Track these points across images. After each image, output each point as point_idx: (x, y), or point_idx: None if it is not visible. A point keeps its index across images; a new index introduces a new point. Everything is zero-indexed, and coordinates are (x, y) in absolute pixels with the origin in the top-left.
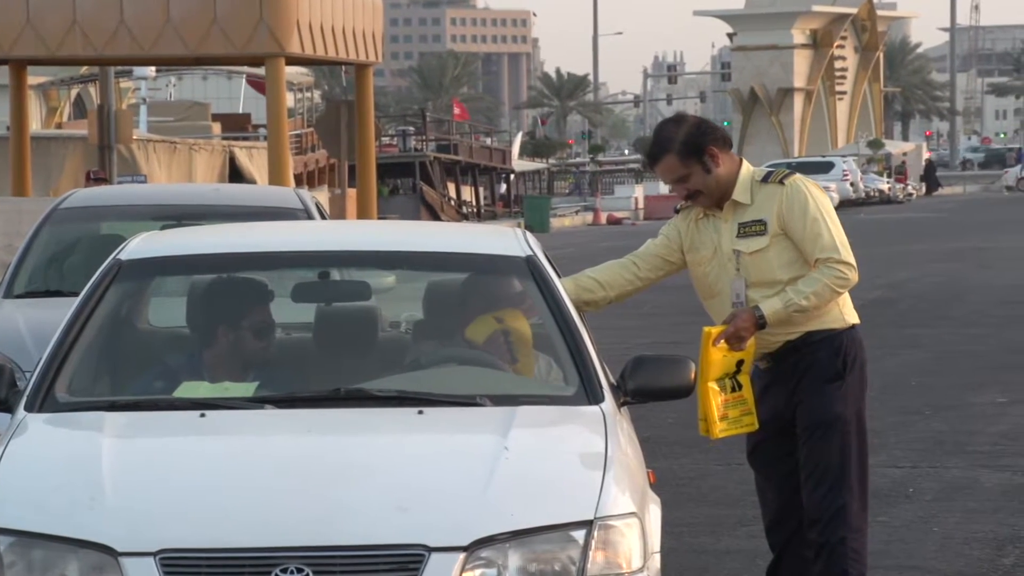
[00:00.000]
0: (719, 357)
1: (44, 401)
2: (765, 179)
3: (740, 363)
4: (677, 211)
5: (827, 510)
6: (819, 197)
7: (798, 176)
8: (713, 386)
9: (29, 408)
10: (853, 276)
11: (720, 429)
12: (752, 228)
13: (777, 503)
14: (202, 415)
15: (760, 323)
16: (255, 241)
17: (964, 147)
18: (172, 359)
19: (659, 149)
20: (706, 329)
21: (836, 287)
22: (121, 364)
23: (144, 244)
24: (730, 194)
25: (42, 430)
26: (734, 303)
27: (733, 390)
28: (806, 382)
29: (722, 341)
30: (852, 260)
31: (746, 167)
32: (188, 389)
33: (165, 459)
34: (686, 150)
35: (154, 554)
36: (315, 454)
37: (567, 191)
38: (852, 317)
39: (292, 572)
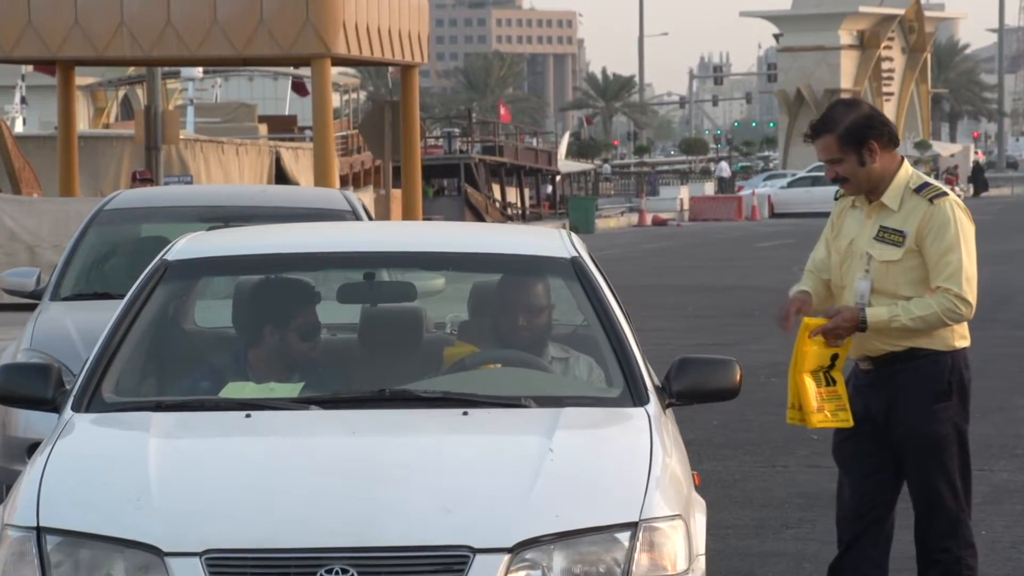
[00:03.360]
0: (815, 349)
1: (91, 401)
2: (919, 189)
3: (835, 358)
4: (836, 199)
5: (945, 530)
6: (964, 225)
7: (951, 198)
8: (808, 377)
9: (76, 408)
10: (967, 314)
11: (818, 420)
12: (890, 236)
13: (852, 499)
14: (247, 416)
15: (861, 326)
16: (301, 242)
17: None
18: (218, 359)
19: (823, 127)
20: (806, 320)
21: (946, 318)
22: (167, 364)
23: (191, 245)
24: (880, 191)
25: (89, 430)
26: (857, 303)
27: (828, 384)
28: (911, 400)
29: (819, 335)
30: (972, 299)
31: (905, 170)
32: (234, 390)
33: (211, 459)
34: (847, 137)
35: (200, 554)
36: (360, 455)
37: (612, 192)
38: (962, 341)
39: (337, 573)
